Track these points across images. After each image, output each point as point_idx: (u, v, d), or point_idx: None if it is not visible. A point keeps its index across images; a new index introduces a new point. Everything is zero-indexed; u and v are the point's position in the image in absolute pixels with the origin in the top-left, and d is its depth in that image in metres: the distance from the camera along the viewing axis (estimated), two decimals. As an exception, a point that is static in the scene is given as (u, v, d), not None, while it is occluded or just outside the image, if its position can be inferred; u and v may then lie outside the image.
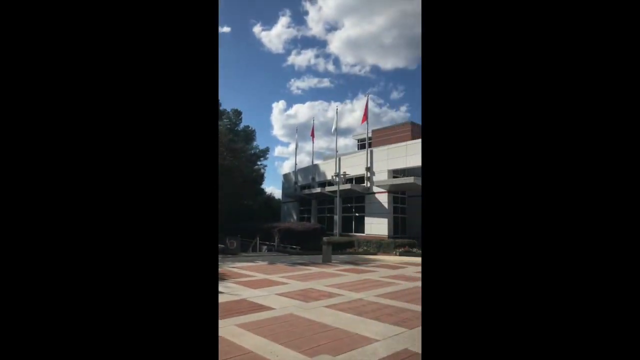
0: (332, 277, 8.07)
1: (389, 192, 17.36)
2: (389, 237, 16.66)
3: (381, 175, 17.77)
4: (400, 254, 14.17)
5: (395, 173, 17.84)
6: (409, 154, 16.65)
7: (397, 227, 18.11)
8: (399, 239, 16.18)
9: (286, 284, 7.07)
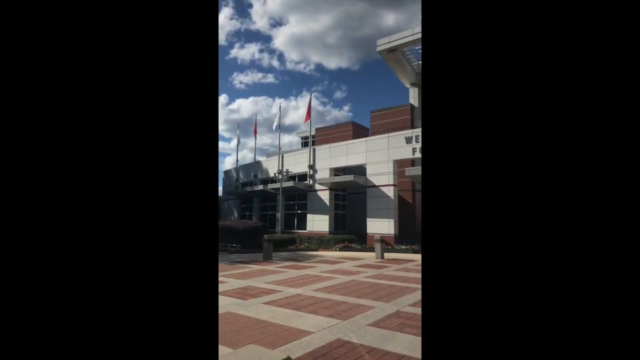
0: (272, 274, 8.12)
1: (330, 189, 17.82)
2: (329, 233, 17.12)
3: (323, 173, 18.16)
4: (340, 250, 14.67)
5: (337, 171, 18.36)
6: (350, 153, 17.23)
7: (338, 224, 18.67)
8: (339, 234, 16.71)
9: (225, 282, 6.97)
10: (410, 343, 3.43)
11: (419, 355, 3.10)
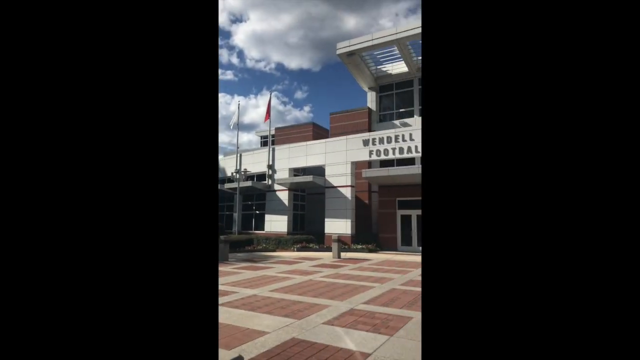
0: (228, 276, 7.98)
1: (289, 189, 17.81)
2: (288, 233, 17.10)
3: (282, 173, 18.11)
4: (298, 250, 14.72)
5: (296, 171, 18.39)
6: (309, 154, 17.35)
7: (297, 224, 18.71)
8: (297, 235, 16.75)
9: (178, 285, 6.74)
10: (363, 339, 3.57)
11: (370, 351, 3.25)
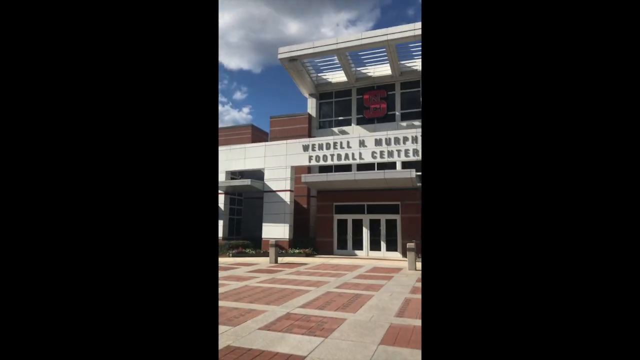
0: (157, 284, 7.49)
1: (226, 193, 17.28)
2: (223, 238, 16.54)
3: (219, 175, 17.52)
4: (234, 255, 14.33)
5: (233, 174, 17.92)
6: (248, 157, 17.05)
7: (233, 229, 18.20)
8: (233, 240, 16.30)
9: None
10: (298, 343, 3.63)
11: (305, 353, 3.32)
